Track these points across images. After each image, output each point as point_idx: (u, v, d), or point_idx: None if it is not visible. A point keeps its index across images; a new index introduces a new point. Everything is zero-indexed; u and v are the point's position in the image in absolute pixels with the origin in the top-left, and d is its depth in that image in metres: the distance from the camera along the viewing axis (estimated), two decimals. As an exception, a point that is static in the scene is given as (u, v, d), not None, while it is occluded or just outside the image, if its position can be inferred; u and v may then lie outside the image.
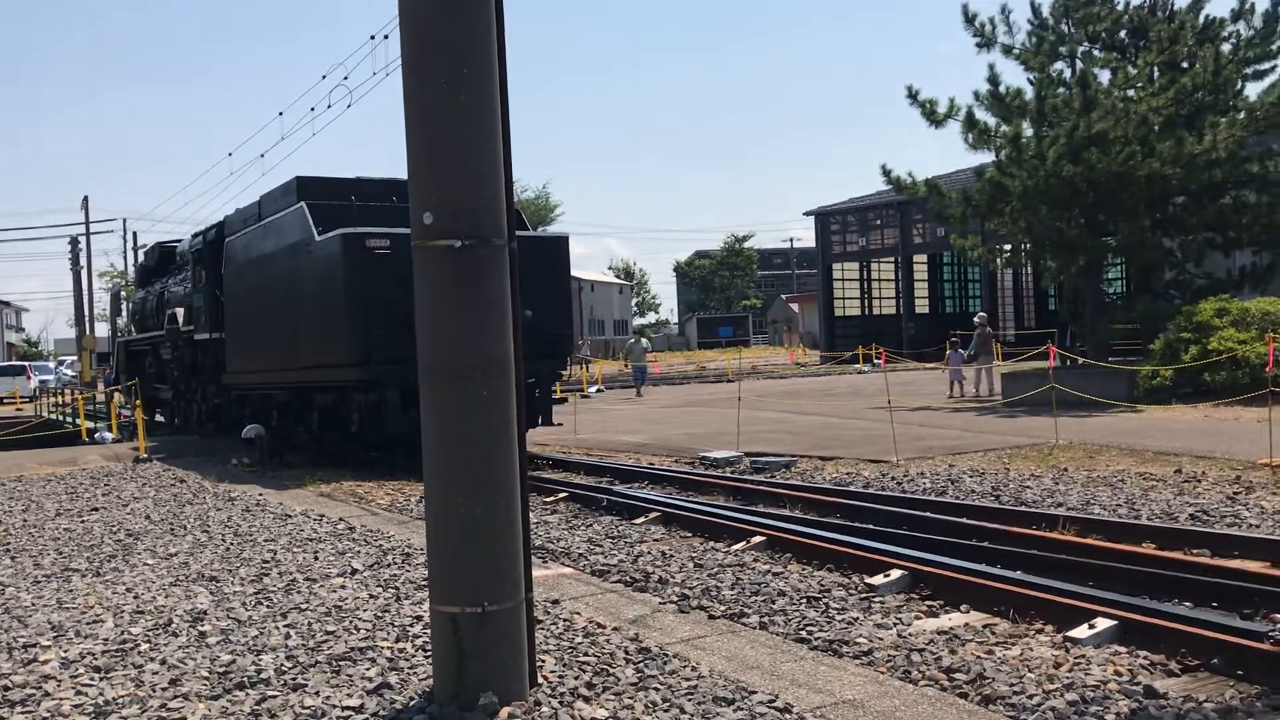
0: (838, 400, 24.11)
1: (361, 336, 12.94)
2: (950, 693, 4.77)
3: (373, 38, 15.34)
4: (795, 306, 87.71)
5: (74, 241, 55.46)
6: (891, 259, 54.04)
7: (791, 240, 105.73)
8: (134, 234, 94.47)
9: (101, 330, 61.35)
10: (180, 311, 20.49)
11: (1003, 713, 4.49)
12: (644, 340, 30.75)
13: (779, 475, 12.17)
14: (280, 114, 28.06)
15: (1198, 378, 18.42)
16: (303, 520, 10.08)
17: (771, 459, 13.08)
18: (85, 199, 56.60)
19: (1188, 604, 6.00)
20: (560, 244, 15.47)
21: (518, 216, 15.17)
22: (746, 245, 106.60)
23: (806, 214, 55.78)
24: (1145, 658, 5.13)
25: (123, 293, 34.04)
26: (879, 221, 52.84)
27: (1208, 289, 21.86)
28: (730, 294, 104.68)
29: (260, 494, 12.19)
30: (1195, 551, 7.35)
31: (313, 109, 31.59)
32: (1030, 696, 4.63)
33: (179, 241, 23.08)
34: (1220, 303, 19.51)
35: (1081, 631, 5.40)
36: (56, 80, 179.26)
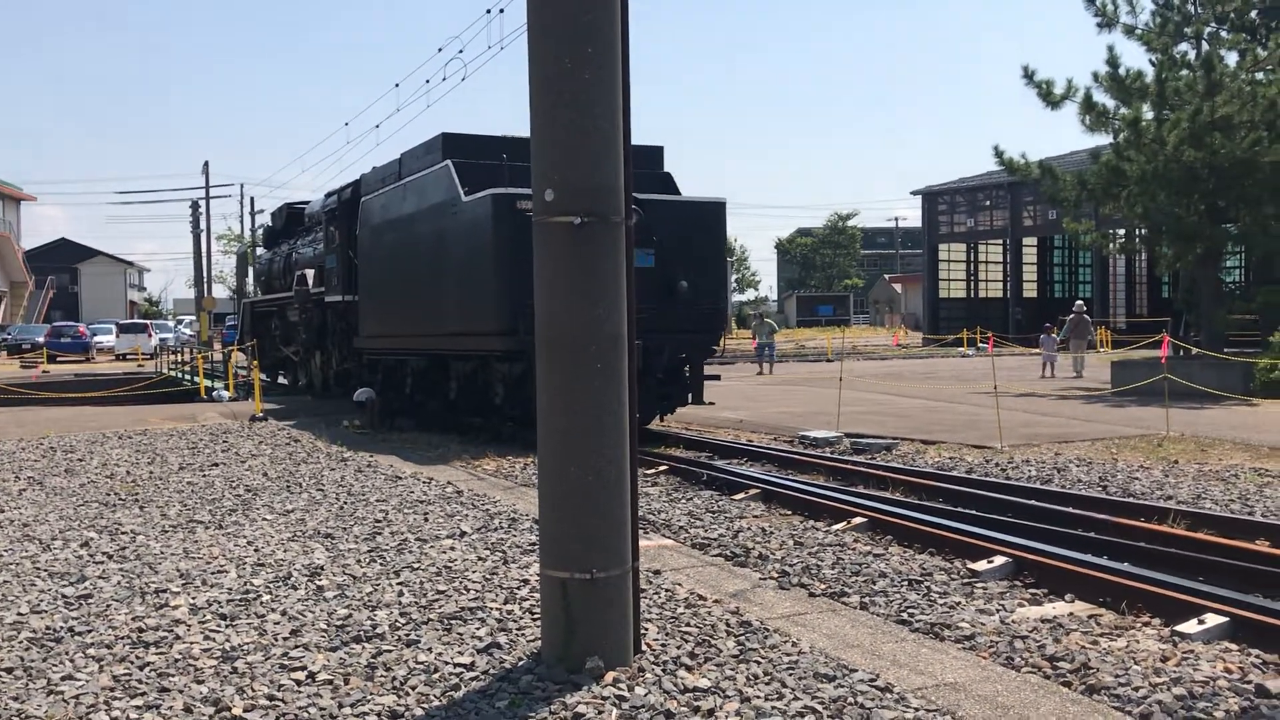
0: (940, 384, 23.82)
1: (510, 304, 12.02)
2: (1054, 680, 4.78)
3: (489, 11, 15.35)
4: (898, 287, 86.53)
5: (194, 205, 57.33)
6: (1000, 241, 52.95)
7: (896, 219, 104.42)
8: (251, 199, 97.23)
9: (219, 292, 63.41)
10: (310, 273, 20.24)
11: (1107, 703, 4.49)
12: (769, 320, 31.67)
13: (880, 457, 12.13)
14: (396, 86, 28.66)
15: (1319, 372, 17.78)
16: (412, 482, 10.39)
17: (872, 440, 13.03)
18: (206, 164, 58.51)
19: (1303, 604, 5.88)
20: (717, 209, 14.26)
21: (669, 181, 14.85)
22: (850, 223, 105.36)
23: (914, 193, 54.98)
24: (1258, 656, 5.06)
25: (250, 253, 34.77)
26: (988, 203, 51.78)
27: (1333, 280, 21.06)
28: (832, 272, 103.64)
29: (371, 455, 12.57)
30: (1312, 551, 7.17)
31: (428, 81, 32.19)
32: (1136, 689, 4.61)
33: (307, 203, 22.80)
34: (1346, 295, 18.78)
35: (1190, 626, 5.34)
36: (182, 50, 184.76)
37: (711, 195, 14.42)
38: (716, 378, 14.91)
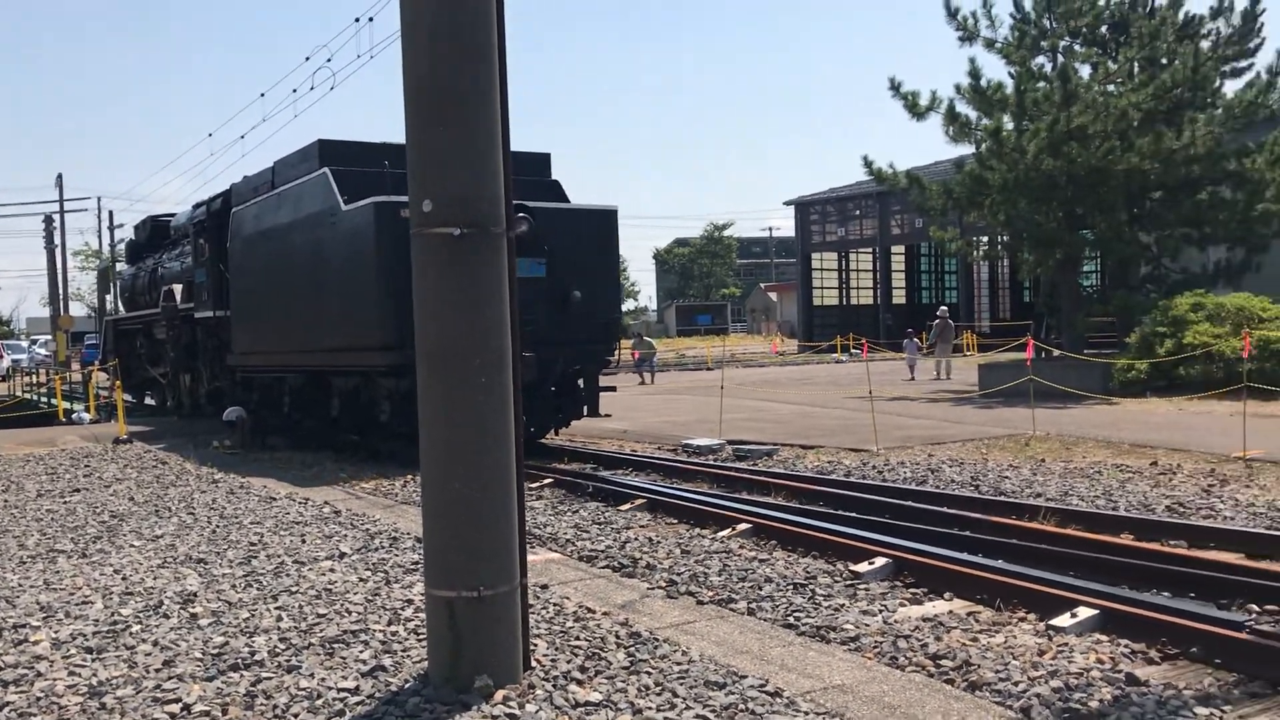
0: (816, 389, 24.25)
1: (395, 318, 11.50)
2: (937, 678, 4.87)
3: (357, 20, 15.11)
4: (774, 295, 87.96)
5: (48, 220, 54.90)
6: (870, 249, 54.30)
7: (771, 229, 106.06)
8: (110, 213, 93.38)
9: (77, 310, 60.85)
10: (178, 288, 19.39)
11: (989, 699, 4.59)
12: (649, 340, 32.80)
13: (761, 463, 12.28)
14: (262, 95, 27.80)
15: (1172, 371, 18.65)
16: (288, 503, 10.10)
17: (754, 447, 13.18)
18: (59, 176, 56.23)
19: (1166, 594, 6.12)
20: (609, 218, 13.98)
21: (557, 188, 14.48)
22: (726, 233, 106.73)
23: (786, 203, 56.02)
24: (1126, 646, 5.24)
25: (111, 269, 33.39)
26: (858, 212, 53.07)
27: (1183, 284, 22.13)
28: (709, 282, 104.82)
29: (243, 476, 12.18)
30: (1172, 543, 7.49)
31: (295, 90, 31.40)
32: (1015, 683, 4.73)
33: (173, 215, 21.97)
34: (1196, 297, 19.75)
35: (1064, 620, 5.51)
36: (31, 56, 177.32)
37: (601, 203, 14.24)
38: (612, 389, 14.56)
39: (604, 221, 13.86)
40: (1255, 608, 5.81)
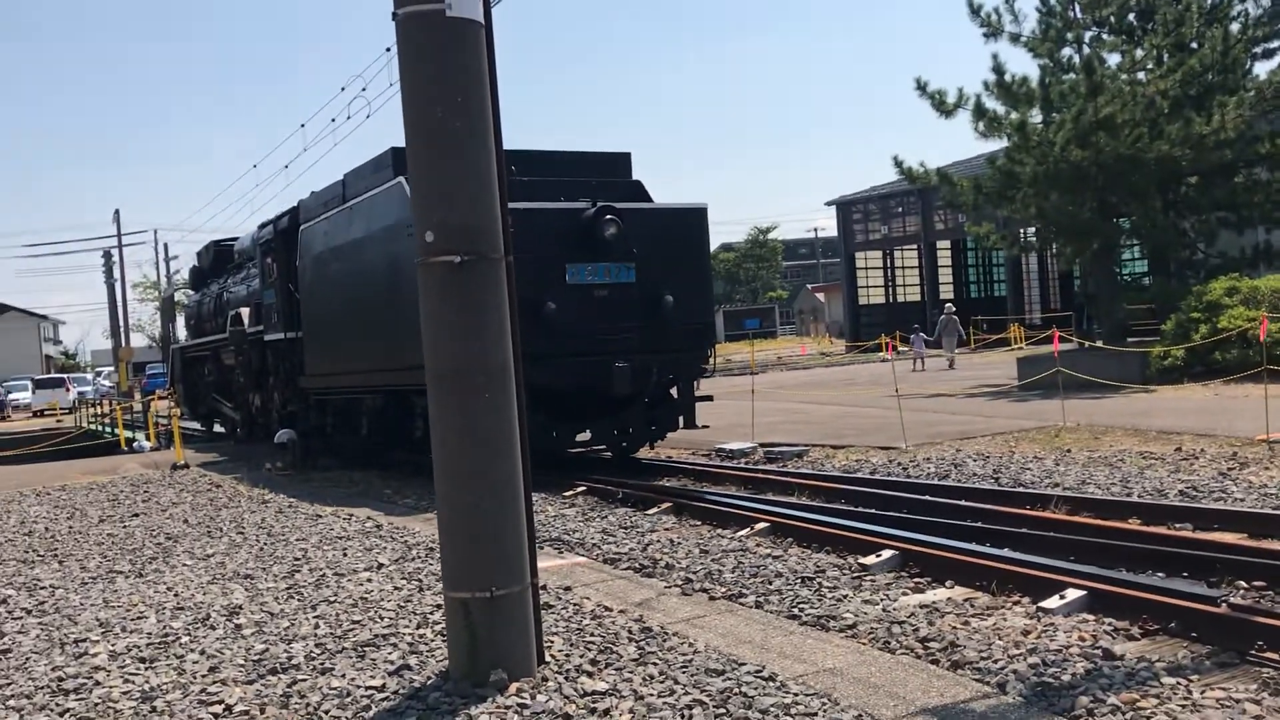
0: (857, 389, 24.42)
1: None
2: (924, 660, 5.16)
3: (388, 50, 15.54)
4: (821, 296, 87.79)
5: (107, 254, 56.48)
6: (914, 246, 54.14)
7: (816, 230, 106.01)
8: (165, 245, 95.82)
9: (138, 341, 62.43)
10: (245, 311, 19.06)
11: (969, 676, 4.87)
12: None
13: (790, 464, 12.56)
14: (302, 126, 28.74)
15: (1209, 356, 18.63)
16: (333, 519, 10.56)
17: (784, 449, 13.45)
18: (116, 212, 57.65)
19: (1160, 575, 6.35)
20: (699, 216, 13.23)
21: (640, 189, 13.87)
22: (771, 236, 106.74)
23: (828, 204, 56.02)
24: (1110, 624, 5.49)
25: (176, 296, 33.64)
26: (900, 209, 52.96)
27: (1221, 268, 22.03)
28: (756, 285, 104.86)
29: (292, 496, 12.69)
30: (1179, 526, 7.68)
31: (333, 120, 32.22)
32: (995, 661, 5.01)
33: (235, 239, 21.72)
34: (1230, 281, 19.69)
35: (1053, 602, 5.77)
36: (76, 95, 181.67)
37: (690, 201, 13.46)
38: (709, 398, 13.68)
39: (693, 220, 13.18)
40: (1244, 584, 6.02)
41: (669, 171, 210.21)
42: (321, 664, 5.62)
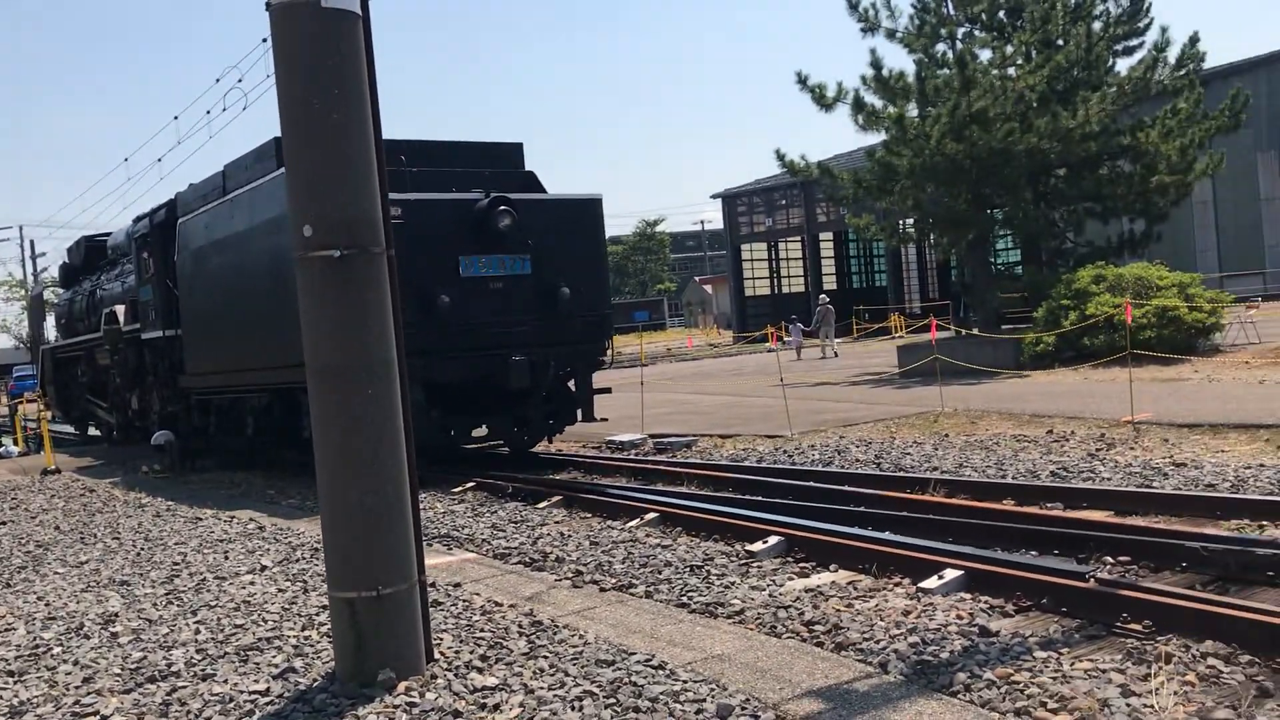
0: (744, 379, 24.74)
1: None
2: (809, 643, 5.27)
3: (265, 40, 15.04)
4: (708, 288, 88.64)
5: (-34, 253, 53.90)
6: (798, 238, 55.02)
7: (702, 223, 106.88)
8: (32, 242, 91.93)
9: (3, 341, 59.86)
10: (120, 309, 18.15)
11: (853, 657, 4.99)
12: None
13: (680, 455, 12.66)
14: (175, 118, 27.66)
15: (1079, 342, 19.35)
16: (213, 522, 10.30)
17: (673, 439, 13.57)
18: (-24, 208, 55.15)
19: (1034, 553, 6.59)
20: (594, 206, 13.11)
21: (533, 180, 13.50)
22: (658, 229, 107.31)
23: (714, 196, 56.58)
24: (986, 602, 5.68)
25: (45, 295, 32.16)
26: (784, 202, 53.75)
27: (1089, 257, 22.91)
28: (645, 278, 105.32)
29: (170, 499, 12.32)
30: (1050, 505, 7.98)
31: (208, 112, 31.21)
32: (878, 642, 5.14)
33: (108, 235, 20.88)
34: (1097, 270, 20.49)
35: (932, 582, 5.94)
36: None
37: (584, 192, 13.33)
38: (608, 390, 13.73)
39: (588, 211, 13.08)
40: (1110, 560, 6.29)
41: (555, 165, 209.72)
42: (202, 670, 5.48)
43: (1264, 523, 6.90)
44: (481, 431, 13.08)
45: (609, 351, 13.24)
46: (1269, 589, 5.58)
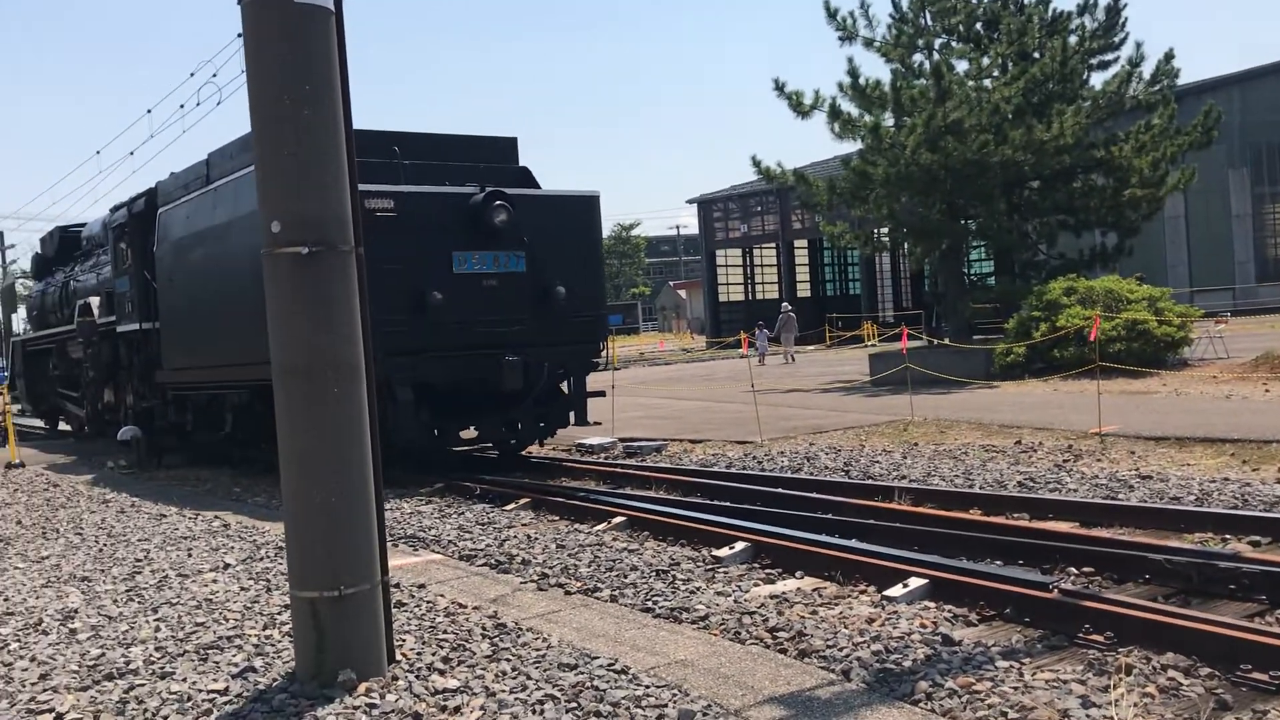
0: (716, 385, 24.76)
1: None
2: (773, 649, 5.26)
3: (240, 35, 14.85)
4: (683, 293, 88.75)
5: (-66, 242, 53.28)
6: (773, 244, 55.19)
7: (678, 228, 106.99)
8: (1, 233, 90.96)
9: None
10: (95, 301, 17.75)
11: (816, 664, 4.99)
12: None
13: (649, 459, 12.65)
14: (149, 111, 27.30)
15: (1049, 353, 19.48)
16: (178, 519, 10.20)
17: (643, 443, 13.55)
18: (-55, 198, 54.48)
19: (999, 562, 6.61)
20: (590, 204, 12.79)
21: (528, 175, 13.38)
22: (634, 233, 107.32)
23: (689, 202, 56.66)
24: (950, 611, 5.70)
25: (16, 286, 31.61)
26: (759, 208, 53.93)
27: (1061, 269, 23.08)
28: (619, 282, 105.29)
29: (135, 495, 12.20)
30: (1016, 516, 8.01)
31: (182, 106, 30.95)
32: (841, 649, 5.14)
33: (84, 225, 20.45)
34: (1068, 282, 20.64)
35: (897, 590, 5.95)
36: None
37: (581, 189, 13.00)
38: (601, 394, 13.43)
39: (585, 208, 12.76)
40: (1074, 570, 6.32)
41: (530, 166, 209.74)
42: (161, 668, 5.41)
43: (1227, 536, 6.96)
44: (470, 434, 12.89)
45: (604, 353, 13.04)
46: (1230, 602, 5.62)
